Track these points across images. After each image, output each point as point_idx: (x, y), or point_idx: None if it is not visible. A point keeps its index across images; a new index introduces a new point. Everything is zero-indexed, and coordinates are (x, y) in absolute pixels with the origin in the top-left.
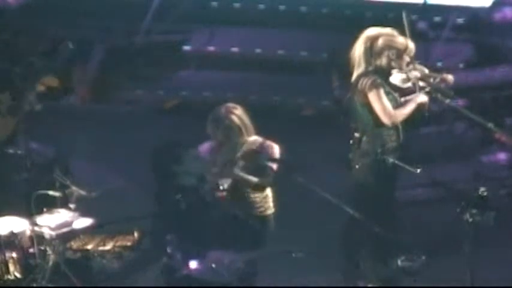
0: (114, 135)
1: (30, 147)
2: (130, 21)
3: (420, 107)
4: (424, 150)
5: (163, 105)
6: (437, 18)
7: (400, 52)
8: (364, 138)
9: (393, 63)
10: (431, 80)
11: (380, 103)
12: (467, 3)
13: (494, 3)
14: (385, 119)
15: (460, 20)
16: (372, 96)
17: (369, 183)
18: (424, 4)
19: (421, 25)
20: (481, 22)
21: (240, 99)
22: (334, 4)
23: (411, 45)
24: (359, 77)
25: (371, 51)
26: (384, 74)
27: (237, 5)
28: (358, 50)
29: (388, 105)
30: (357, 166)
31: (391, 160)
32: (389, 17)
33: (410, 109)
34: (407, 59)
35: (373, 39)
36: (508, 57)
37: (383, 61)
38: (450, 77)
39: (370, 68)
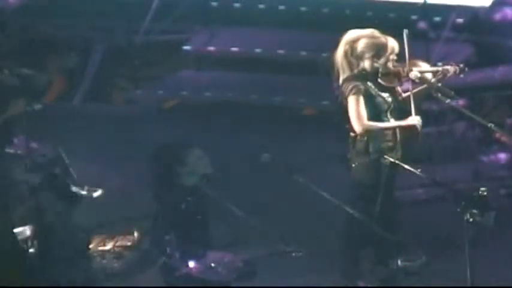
0: (114, 135)
1: (30, 147)
2: (130, 21)
3: (411, 128)
4: (424, 150)
5: (163, 105)
6: (437, 18)
7: (382, 52)
8: (358, 138)
9: (376, 65)
10: (431, 77)
11: (354, 110)
12: (467, 3)
13: (494, 3)
14: (356, 126)
15: (460, 20)
16: (350, 102)
17: (364, 182)
18: (424, 4)
19: (421, 25)
20: (481, 22)
21: (240, 99)
22: (334, 4)
23: (393, 43)
24: (343, 81)
25: (352, 55)
26: (370, 76)
27: (237, 5)
28: (338, 54)
29: (363, 113)
30: (353, 165)
31: (391, 160)
32: (389, 17)
33: (388, 127)
34: (392, 58)
35: (352, 43)
36: (508, 57)
37: (366, 63)
38: (451, 68)
39: (356, 71)
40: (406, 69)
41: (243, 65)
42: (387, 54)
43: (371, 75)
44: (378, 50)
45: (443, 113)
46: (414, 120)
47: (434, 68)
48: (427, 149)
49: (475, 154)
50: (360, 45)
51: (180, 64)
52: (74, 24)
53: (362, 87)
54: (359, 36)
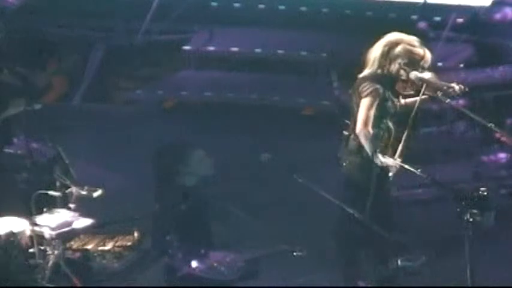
0: (114, 135)
1: (30, 147)
2: (130, 21)
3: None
4: (424, 150)
5: (163, 105)
6: (437, 18)
7: (415, 61)
8: (352, 137)
9: (402, 72)
10: (437, 87)
11: (365, 112)
12: (467, 3)
13: (494, 3)
14: (358, 127)
15: (460, 20)
16: (363, 102)
17: (355, 181)
18: (424, 4)
19: (421, 25)
20: (481, 22)
21: (240, 99)
22: (334, 4)
23: (428, 56)
24: (364, 79)
25: (387, 56)
26: (389, 79)
27: (237, 5)
28: (375, 51)
29: (371, 119)
30: (344, 164)
31: (392, 160)
32: (389, 17)
33: (373, 155)
34: (420, 70)
35: (392, 45)
36: (508, 57)
37: (394, 67)
38: (457, 88)
39: (379, 71)
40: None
41: (243, 65)
42: (418, 65)
43: (391, 79)
44: (412, 60)
45: (443, 113)
46: (395, 162)
47: (442, 83)
48: (427, 149)
49: (475, 154)
50: (398, 49)
51: (180, 64)
52: (74, 24)
53: (381, 91)
54: (400, 40)
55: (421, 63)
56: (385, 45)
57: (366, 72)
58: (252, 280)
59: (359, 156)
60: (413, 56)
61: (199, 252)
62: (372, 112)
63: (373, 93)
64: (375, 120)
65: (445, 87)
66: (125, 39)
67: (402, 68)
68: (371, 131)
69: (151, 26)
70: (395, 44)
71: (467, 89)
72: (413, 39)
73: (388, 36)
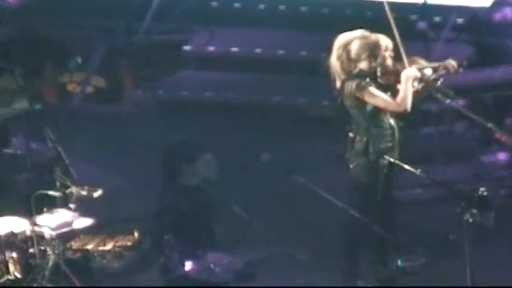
0: (114, 135)
1: (30, 147)
2: (130, 21)
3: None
4: (424, 150)
5: (163, 105)
6: (437, 18)
7: (377, 51)
8: (357, 139)
9: (374, 64)
10: (431, 73)
11: (378, 99)
12: (467, 3)
13: (494, 3)
14: (395, 109)
15: (460, 20)
16: (367, 97)
17: (363, 182)
18: (424, 4)
19: (421, 25)
20: (481, 22)
21: (240, 99)
22: (334, 4)
23: (385, 41)
24: (343, 82)
25: (347, 59)
26: (369, 76)
27: (237, 5)
28: (333, 59)
29: (387, 97)
30: (351, 166)
31: (391, 160)
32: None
33: (409, 91)
34: (388, 55)
35: (345, 46)
36: (508, 57)
37: (363, 64)
38: (453, 63)
39: (354, 74)
40: (405, 67)
41: (243, 65)
42: (382, 52)
43: (370, 76)
44: (373, 49)
45: (443, 113)
46: (412, 70)
47: (435, 64)
48: (427, 149)
49: (475, 154)
50: (354, 48)
51: (180, 64)
52: (74, 24)
53: (364, 82)
54: (351, 39)
55: (382, 50)
56: (338, 49)
57: (341, 79)
58: (249, 282)
59: (366, 158)
60: (370, 46)
61: (196, 253)
62: (380, 95)
63: (361, 85)
64: (374, 119)
65: (441, 69)
66: (125, 39)
67: (372, 61)
68: (398, 100)
69: (151, 26)
70: (347, 44)
71: (465, 63)
72: (362, 32)
73: (337, 40)
